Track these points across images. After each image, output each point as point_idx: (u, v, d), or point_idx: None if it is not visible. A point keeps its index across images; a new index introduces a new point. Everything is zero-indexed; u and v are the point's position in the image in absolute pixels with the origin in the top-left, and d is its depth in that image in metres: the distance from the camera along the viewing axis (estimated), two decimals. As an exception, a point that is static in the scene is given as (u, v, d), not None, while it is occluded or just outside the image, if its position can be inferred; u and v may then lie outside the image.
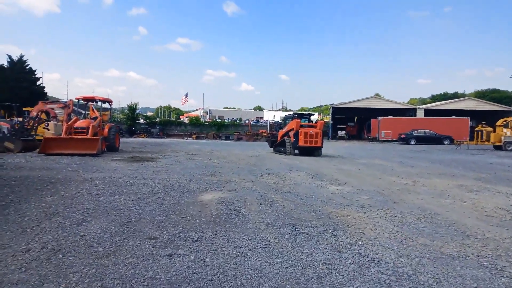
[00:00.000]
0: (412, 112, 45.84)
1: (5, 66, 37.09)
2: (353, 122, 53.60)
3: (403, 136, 35.22)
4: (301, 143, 17.87)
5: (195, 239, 4.46)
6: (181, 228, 4.88)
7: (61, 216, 5.24)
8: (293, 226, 5.14)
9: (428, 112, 45.00)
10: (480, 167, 13.79)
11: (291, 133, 18.62)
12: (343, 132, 48.60)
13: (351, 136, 49.35)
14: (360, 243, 4.51)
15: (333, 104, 49.82)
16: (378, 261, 3.91)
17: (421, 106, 49.14)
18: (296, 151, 18.69)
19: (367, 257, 4.02)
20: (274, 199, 6.98)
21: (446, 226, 5.43)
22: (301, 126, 18.36)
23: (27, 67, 38.52)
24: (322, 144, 18.42)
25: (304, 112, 22.39)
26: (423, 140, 34.44)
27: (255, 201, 6.71)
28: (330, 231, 4.98)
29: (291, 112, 23.36)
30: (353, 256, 4.03)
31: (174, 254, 3.93)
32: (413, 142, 34.27)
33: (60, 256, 3.77)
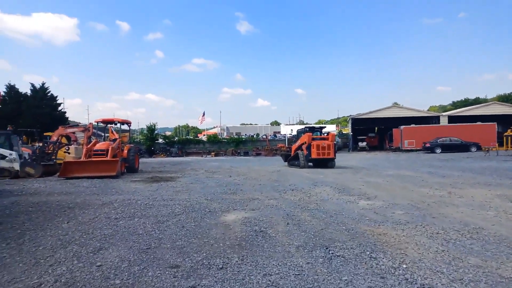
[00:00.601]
0: (435, 119, 44.49)
1: (28, 95, 38.13)
2: (373, 132, 52.57)
3: (427, 145, 34.05)
4: (314, 155, 18.21)
5: (220, 266, 4.06)
6: (204, 254, 4.48)
7: (77, 244, 4.93)
8: (326, 248, 4.67)
9: (452, 119, 43.58)
10: (517, 174, 12.93)
11: (304, 147, 18.98)
12: (364, 143, 47.60)
13: (372, 147, 48.31)
14: (405, 266, 4.01)
15: (352, 115, 48.95)
16: (429, 287, 3.42)
17: (444, 113, 47.67)
18: (310, 164, 18.96)
19: (415, 283, 3.53)
20: (301, 217, 6.52)
21: (497, 243, 4.86)
22: (313, 139, 18.69)
23: (48, 94, 39.41)
24: (334, 155, 18.67)
25: (315, 126, 23.01)
26: (448, 148, 33.21)
27: (281, 221, 6.27)
28: (368, 252, 4.49)
29: (303, 126, 23.00)
30: (399, 283, 3.54)
31: (198, 285, 3.54)
32: (438, 150, 33.08)
33: (74, 291, 3.43)
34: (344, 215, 6.73)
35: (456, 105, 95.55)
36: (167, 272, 3.87)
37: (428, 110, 55.25)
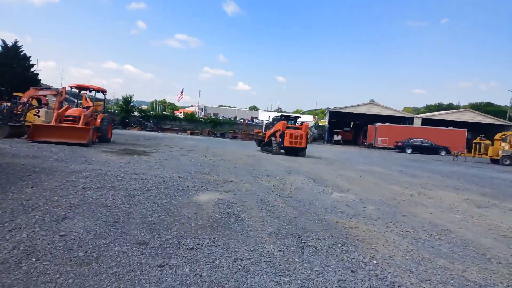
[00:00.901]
0: (409, 120, 45.56)
1: (-1, 52, 36.19)
2: (349, 127, 53.33)
3: (399, 144, 34.89)
4: (286, 143, 18.69)
5: (190, 246, 3.94)
6: (174, 233, 4.35)
7: (41, 211, 4.67)
8: (299, 237, 4.64)
9: (425, 122, 44.79)
10: (482, 181, 13.41)
11: (278, 134, 19.43)
12: (339, 137, 48.21)
13: (346, 141, 49.03)
14: (375, 262, 4.02)
15: (330, 108, 49.37)
16: (399, 286, 3.43)
17: (418, 115, 48.87)
18: (282, 151, 19.38)
19: (385, 280, 3.54)
20: (275, 204, 6.47)
21: (463, 246, 4.97)
22: (287, 127, 19.07)
23: (21, 53, 37.52)
24: (306, 145, 19.28)
25: (290, 115, 23.27)
26: (419, 149, 34.16)
27: (255, 206, 6.20)
28: (339, 245, 4.49)
29: (279, 114, 23.61)
30: (369, 279, 3.54)
31: (166, 264, 3.41)
32: (409, 150, 33.97)
33: (33, 259, 3.23)
34: (318, 205, 6.73)
35: (429, 108, 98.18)
36: (134, 249, 3.72)
37: (402, 110, 56.35)
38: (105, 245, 3.72)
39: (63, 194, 5.65)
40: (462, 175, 15.43)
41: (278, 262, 3.74)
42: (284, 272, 3.51)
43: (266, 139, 21.56)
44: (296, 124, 20.62)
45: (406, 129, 40.29)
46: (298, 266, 3.69)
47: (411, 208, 7.27)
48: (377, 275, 3.65)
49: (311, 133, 43.55)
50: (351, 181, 10.40)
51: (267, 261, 3.73)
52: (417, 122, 44.51)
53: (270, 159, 15.63)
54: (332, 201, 7.29)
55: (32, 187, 5.88)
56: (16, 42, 37.52)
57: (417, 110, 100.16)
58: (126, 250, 3.65)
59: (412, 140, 35.00)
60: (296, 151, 19.14)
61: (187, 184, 7.54)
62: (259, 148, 22.72)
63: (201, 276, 3.23)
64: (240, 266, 3.55)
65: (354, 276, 3.56)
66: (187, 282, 3.08)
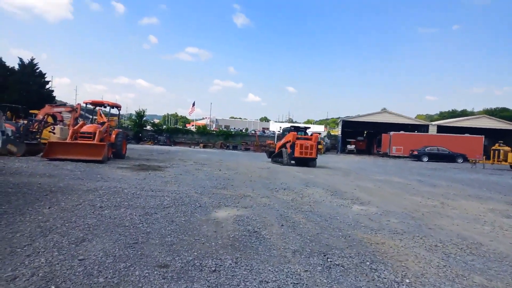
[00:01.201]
0: (424, 128, 44.89)
1: (16, 69, 36.93)
2: (362, 136, 52.78)
3: (415, 153, 34.29)
4: (297, 154, 18.81)
5: (213, 269, 3.78)
6: (195, 254, 4.20)
7: (58, 233, 4.58)
8: (324, 255, 4.44)
9: (440, 129, 44.06)
10: (505, 189, 12.97)
11: (288, 145, 19.56)
12: (352, 146, 47.76)
13: (360, 151, 48.50)
14: (408, 281, 3.80)
15: (343, 117, 49.06)
16: (437, 308, 3.21)
17: (433, 123, 48.18)
18: (292, 162, 19.51)
19: (422, 301, 3.32)
20: (295, 219, 6.28)
21: (498, 261, 4.70)
22: (297, 138, 19.34)
23: (37, 70, 38.24)
24: (316, 155, 19.32)
25: (300, 125, 23.44)
26: (435, 157, 33.52)
27: (275, 221, 6.02)
28: (368, 263, 4.27)
29: (290, 125, 24.65)
30: (405, 300, 3.32)
31: (189, 289, 3.25)
32: (425, 159, 33.35)
33: (53, 287, 3.11)
34: (339, 219, 6.51)
35: (443, 115, 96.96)
36: (155, 272, 3.57)
37: (415, 118, 55.59)
38: (125, 269, 3.59)
39: (80, 215, 5.56)
40: (483, 183, 14.98)
41: (306, 284, 3.55)
42: (313, 295, 3.32)
43: (276, 150, 21.70)
44: (306, 135, 20.84)
45: (421, 137, 39.64)
46: (327, 288, 3.50)
47: (436, 220, 7.00)
48: (412, 297, 3.43)
49: (324, 143, 43.28)
50: (370, 193, 10.14)
51: (294, 283, 3.55)
52: (433, 130, 43.82)
53: (285, 171, 15.43)
54: (353, 214, 7.06)
55: (49, 208, 5.82)
56: (32, 59, 38.29)
57: (430, 117, 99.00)
58: (147, 274, 3.51)
59: (428, 148, 34.38)
60: (307, 162, 19.17)
61: (204, 200, 7.41)
62: (269, 159, 22.80)
63: (226, 301, 3.07)
64: (267, 289, 3.38)
65: (387, 299, 3.35)
66: (213, 309, 2.92)
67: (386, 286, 3.65)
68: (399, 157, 38.29)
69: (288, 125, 27.58)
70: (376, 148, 44.95)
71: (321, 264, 4.13)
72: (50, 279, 3.26)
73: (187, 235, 4.92)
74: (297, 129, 21.12)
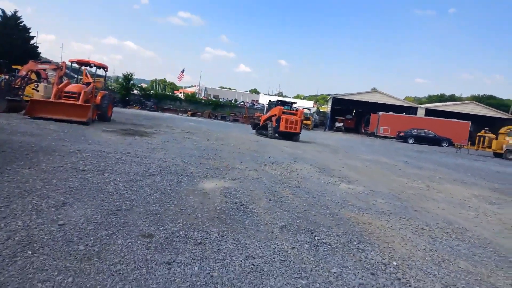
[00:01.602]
0: (413, 110, 45.10)
1: (-2, 21, 35.23)
2: (351, 114, 52.85)
3: (402, 134, 34.57)
4: (282, 128, 19.19)
5: (198, 241, 3.68)
6: (181, 224, 4.07)
7: (38, 195, 4.38)
8: (312, 233, 4.38)
9: (428, 112, 44.35)
10: (489, 175, 13.16)
11: (274, 118, 19.73)
12: (341, 124, 47.86)
13: (348, 129, 48.69)
14: (395, 263, 3.77)
15: (333, 94, 48.86)
16: (424, 292, 3.18)
17: (422, 106, 48.40)
18: (276, 135, 19.88)
19: (409, 285, 3.30)
20: (283, 194, 6.20)
21: (483, 247, 4.73)
22: (283, 113, 19.56)
23: (21, 24, 36.56)
24: (300, 130, 19.77)
25: (286, 100, 23.48)
26: (421, 139, 33.86)
27: (263, 196, 5.93)
28: (355, 243, 4.23)
29: (276, 99, 25.11)
30: (392, 283, 3.29)
31: (174, 261, 3.14)
32: (411, 141, 33.69)
33: (29, 253, 2.96)
34: (327, 197, 6.46)
35: (431, 99, 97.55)
36: (138, 242, 3.45)
37: (404, 99, 55.67)
38: (107, 237, 3.45)
39: (62, 177, 5.35)
40: (467, 168, 15.18)
41: (293, 262, 3.48)
42: (301, 273, 3.26)
43: (261, 123, 21.97)
44: (292, 110, 21.03)
45: (409, 119, 39.89)
46: (314, 266, 3.43)
47: (422, 203, 7.02)
48: (399, 279, 3.40)
49: (312, 119, 43.24)
50: (357, 171, 10.14)
51: (281, 260, 3.48)
52: (421, 113, 44.08)
53: (273, 145, 15.33)
54: (341, 192, 7.02)
55: (29, 168, 5.57)
56: (15, 12, 36.45)
57: (419, 100, 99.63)
58: (130, 243, 3.38)
59: (415, 131, 34.67)
60: (291, 136, 19.61)
61: (191, 170, 7.25)
62: (254, 131, 23.13)
63: (212, 276, 2.97)
64: (253, 265, 3.29)
65: (375, 280, 3.31)
66: (198, 283, 2.82)
67: (373, 267, 3.61)
68: (386, 137, 38.60)
69: (275, 99, 27.51)
70: (364, 127, 45.16)
71: (308, 242, 4.07)
72: (27, 243, 3.10)
73: (172, 205, 4.78)
74: (283, 103, 21.43)
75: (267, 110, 24.09)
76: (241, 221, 4.49)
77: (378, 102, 44.82)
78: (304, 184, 7.40)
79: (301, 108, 23.88)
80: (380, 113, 39.74)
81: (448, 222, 5.81)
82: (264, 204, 5.44)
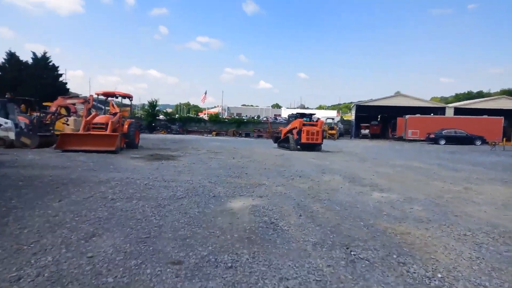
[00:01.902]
0: (441, 110, 43.72)
1: (29, 63, 37.06)
2: (376, 120, 51.81)
3: (432, 136, 33.45)
4: (303, 140, 19.68)
5: (229, 265, 3.55)
6: (210, 248, 3.96)
7: (68, 228, 4.40)
8: (347, 248, 4.16)
9: (457, 111, 42.84)
10: (531, 172, 12.40)
11: (295, 131, 20.25)
12: (367, 131, 46.94)
13: (374, 135, 47.67)
14: (440, 276, 3.50)
15: (356, 102, 48.16)
16: (477, 307, 2.91)
17: (450, 105, 46.93)
18: (298, 147, 20.21)
19: (459, 299, 3.02)
20: (313, 209, 6.00)
21: (536, 251, 4.34)
22: (304, 125, 20.15)
23: (50, 64, 38.33)
24: (322, 141, 20.32)
25: (305, 112, 25.04)
26: (453, 140, 32.63)
27: (292, 212, 5.75)
28: (394, 256, 3.98)
29: (295, 112, 26.28)
30: (439, 299, 3.03)
31: (204, 289, 3.02)
32: (442, 142, 32.52)
33: (59, 288, 2.91)
34: (359, 208, 6.21)
35: (459, 97, 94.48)
36: (168, 270, 3.35)
37: (430, 100, 53.99)
38: (136, 267, 3.38)
39: (91, 208, 5.39)
40: (506, 166, 14.40)
41: (330, 281, 3.28)
42: (338, 293, 3.06)
43: (282, 136, 22.52)
44: (312, 121, 21.49)
45: (438, 119, 38.66)
46: (352, 285, 3.22)
47: (462, 207, 6.63)
48: (447, 294, 3.14)
49: (337, 128, 42.68)
50: (389, 179, 9.77)
51: (316, 280, 3.29)
52: (449, 112, 42.66)
53: (299, 158, 15.11)
54: (374, 202, 6.74)
55: (59, 201, 5.66)
56: (45, 53, 38.33)
57: (445, 100, 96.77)
58: (159, 272, 3.29)
59: (445, 131, 33.47)
60: (313, 147, 20.12)
61: (218, 190, 7.18)
62: (275, 144, 23.69)
63: (245, 302, 2.83)
64: (288, 287, 3.12)
65: (420, 297, 3.07)
66: (230, 311, 2.68)
67: (417, 281, 3.36)
68: (415, 140, 37.49)
69: (294, 112, 28.29)
70: (391, 132, 44.11)
71: (344, 258, 3.86)
72: (56, 279, 3.07)
73: (201, 228, 4.69)
74: (302, 115, 21.88)
75: (287, 124, 24.36)
76: (271, 240, 4.33)
77: (403, 105, 43.77)
78: (335, 196, 7.17)
79: (321, 119, 24.36)
80: (407, 116, 38.72)
81: (492, 225, 5.43)
82: (294, 220, 5.26)
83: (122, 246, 3.90)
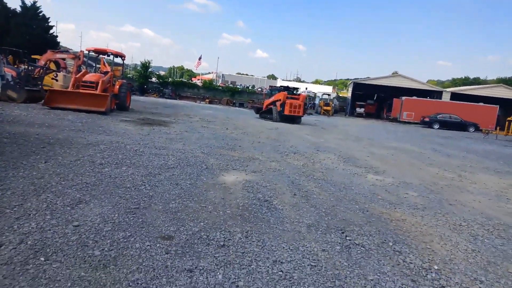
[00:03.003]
0: (438, 94, 43.50)
1: (18, 11, 35.44)
2: (372, 100, 51.51)
3: (426, 119, 33.37)
4: (286, 112, 20.60)
5: (221, 243, 3.41)
6: (201, 224, 3.81)
7: (53, 192, 4.19)
8: (342, 232, 4.05)
9: (454, 96, 42.68)
10: (522, 163, 12.46)
11: (278, 103, 21.19)
12: (362, 110, 46.66)
13: (369, 114, 47.51)
14: (436, 267, 3.42)
15: (352, 79, 47.66)
16: (475, 305, 2.83)
17: (448, 89, 46.67)
18: (279, 118, 21.19)
19: (456, 295, 2.94)
20: (308, 188, 5.87)
21: (530, 247, 4.30)
22: (287, 98, 20.94)
23: (40, 14, 36.74)
24: (303, 114, 21.43)
25: (289, 86, 26.35)
26: (447, 125, 32.66)
27: (286, 190, 5.62)
28: (390, 244, 3.89)
29: (279, 85, 26.07)
30: (437, 293, 2.94)
31: (196, 268, 2.88)
32: (436, 126, 32.53)
33: (42, 259, 2.74)
34: (354, 190, 6.10)
35: (455, 82, 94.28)
36: (158, 245, 3.20)
37: (426, 83, 53.60)
38: (125, 240, 3.21)
39: (78, 172, 5.16)
40: (498, 155, 14.44)
41: (325, 267, 3.17)
42: (334, 281, 2.95)
43: (264, 107, 23.62)
44: (295, 95, 22.39)
45: (433, 103, 38.49)
46: (348, 273, 3.12)
47: (456, 195, 6.58)
48: (444, 287, 3.06)
49: (333, 104, 42.39)
50: (384, 161, 9.69)
51: (311, 266, 3.17)
52: (446, 97, 42.47)
53: (293, 133, 14.93)
54: (369, 185, 6.64)
55: (45, 162, 5.41)
56: (35, 2, 36.59)
57: (441, 83, 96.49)
58: (148, 247, 3.13)
59: (440, 116, 33.42)
60: (294, 119, 21.03)
61: (210, 162, 6.99)
62: (257, 115, 24.39)
63: (237, 286, 2.69)
64: (282, 271, 3.00)
65: (417, 289, 2.98)
66: (222, 296, 2.55)
67: (414, 272, 3.27)
68: (409, 123, 37.48)
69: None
70: (386, 113, 43.93)
71: (340, 243, 3.75)
72: (40, 248, 2.89)
73: (192, 201, 4.53)
74: (286, 89, 23.05)
75: (268, 95, 25.00)
76: (265, 219, 4.19)
77: (400, 86, 43.35)
78: (330, 176, 7.05)
79: (303, 93, 25.20)
80: (403, 97, 38.51)
81: (487, 217, 5.38)
82: (288, 199, 5.13)
83: (110, 216, 3.72)
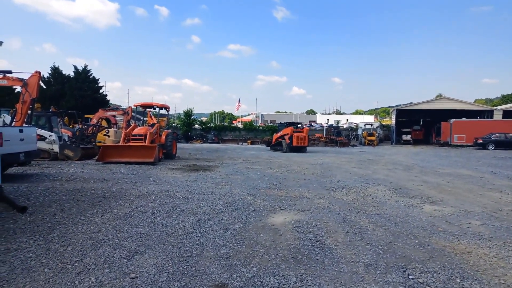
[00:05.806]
0: (488, 113, 41.18)
1: (71, 77, 38.95)
2: (418, 125, 49.70)
3: (480, 141, 31.48)
4: (294, 143, 24.07)
5: (276, 289, 3.30)
6: (254, 269, 3.74)
7: (110, 245, 4.34)
8: (404, 271, 3.79)
9: (506, 114, 40.20)
10: None
11: (287, 137, 24.84)
12: (408, 136, 45.01)
13: (416, 141, 45.66)
14: (516, 306, 3.07)
15: (394, 106, 46.52)
16: None
17: (499, 107, 44.09)
18: (288, 149, 24.51)
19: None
20: (361, 224, 5.63)
21: None
22: (294, 131, 24.43)
23: (90, 76, 40.09)
24: (307, 144, 25.17)
25: (294, 122, 29.96)
26: (503, 145, 30.54)
27: (338, 227, 5.43)
28: (458, 280, 3.58)
29: (286, 121, 31.18)
30: (521, 336, 2.62)
31: (252, 317, 2.79)
32: (491, 147, 30.55)
33: (102, 314, 2.79)
34: (411, 223, 5.77)
35: (506, 99, 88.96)
36: (212, 294, 3.16)
37: (473, 103, 50.92)
38: (180, 291, 3.21)
39: (132, 223, 5.34)
40: None
41: (389, 311, 2.96)
42: (401, 326, 2.73)
43: (273, 141, 28.02)
44: (299, 129, 26.17)
45: (485, 123, 36.36)
46: (416, 316, 2.88)
47: (527, 222, 6.00)
48: (528, 330, 2.72)
49: (377, 134, 41.36)
50: (439, 189, 9.15)
51: (374, 310, 2.97)
52: (498, 115, 40.06)
53: (338, 167, 14.61)
54: (426, 216, 6.26)
55: (101, 216, 5.67)
56: (85, 66, 40.13)
57: (490, 102, 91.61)
58: (203, 297, 3.11)
59: (494, 135, 31.40)
60: (301, 149, 24.37)
61: (258, 203, 6.97)
62: (268, 148, 28.96)
63: (297, 336, 2.57)
64: (342, 318, 2.83)
65: (497, 333, 2.68)
66: None
67: (490, 313, 2.96)
68: (461, 146, 35.53)
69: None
70: (435, 137, 42.01)
71: (402, 283, 3.50)
72: (100, 303, 2.96)
73: (243, 245, 4.49)
74: (292, 124, 26.68)
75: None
76: (319, 261, 4.04)
77: (446, 109, 41.59)
78: (382, 209, 6.74)
79: (306, 126, 29.28)
80: (452, 120, 36.79)
81: None
82: (341, 237, 4.94)
83: (164, 265, 3.76)
